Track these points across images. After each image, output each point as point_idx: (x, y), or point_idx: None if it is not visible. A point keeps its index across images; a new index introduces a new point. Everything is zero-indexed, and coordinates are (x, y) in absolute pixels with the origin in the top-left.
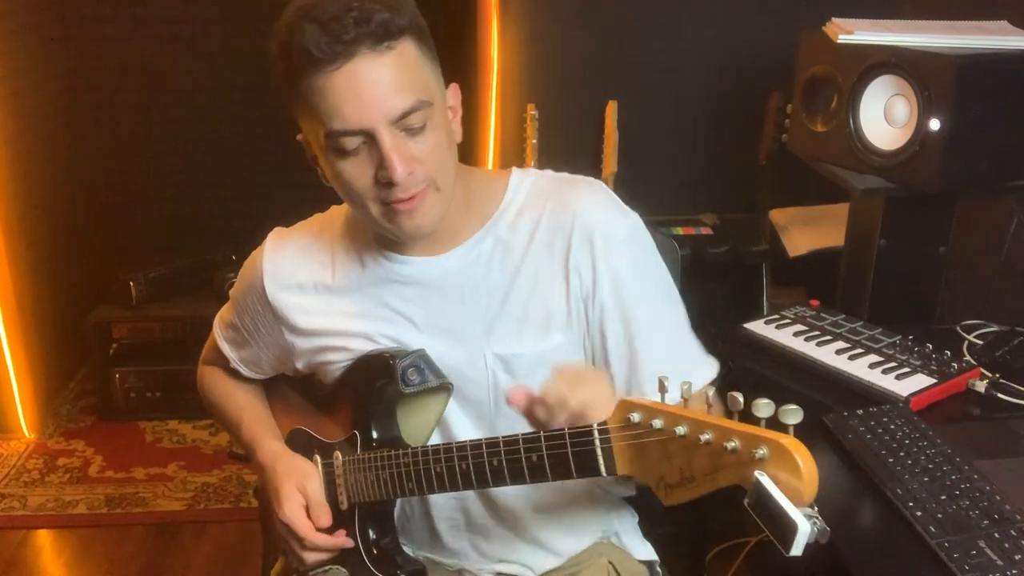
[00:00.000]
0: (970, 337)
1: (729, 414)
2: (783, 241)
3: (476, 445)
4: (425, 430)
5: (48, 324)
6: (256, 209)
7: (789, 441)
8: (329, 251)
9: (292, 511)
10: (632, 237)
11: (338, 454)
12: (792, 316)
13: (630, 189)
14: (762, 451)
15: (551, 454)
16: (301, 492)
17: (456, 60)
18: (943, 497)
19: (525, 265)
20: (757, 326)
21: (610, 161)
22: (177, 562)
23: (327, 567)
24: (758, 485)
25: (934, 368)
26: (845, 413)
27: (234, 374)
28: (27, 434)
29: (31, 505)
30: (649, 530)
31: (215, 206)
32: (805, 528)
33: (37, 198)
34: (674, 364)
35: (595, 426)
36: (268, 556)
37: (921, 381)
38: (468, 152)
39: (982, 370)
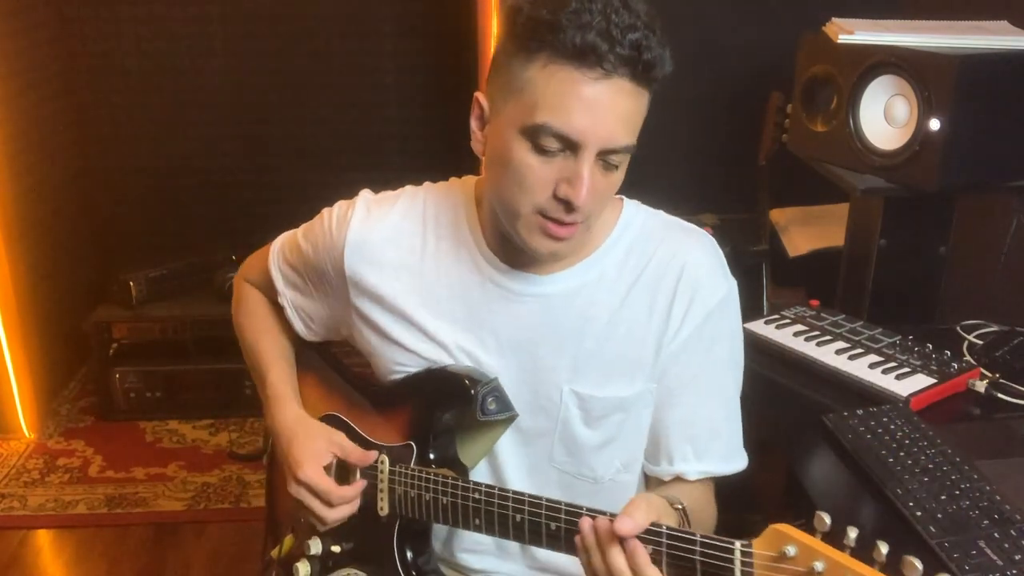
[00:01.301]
0: (970, 337)
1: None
2: (783, 241)
3: (574, 510)
4: (479, 454)
5: (48, 324)
6: (256, 209)
7: None
8: (421, 234)
9: (313, 472)
10: (727, 303)
11: (385, 458)
12: (792, 316)
13: (630, 189)
14: None
15: (673, 554)
16: (331, 444)
17: (456, 60)
18: (943, 497)
19: (626, 308)
20: (757, 326)
21: None
22: (177, 562)
23: (345, 567)
24: None
25: (934, 368)
26: (845, 413)
27: (280, 310)
28: (27, 434)
29: (31, 505)
30: None
31: (215, 206)
32: None
33: (37, 198)
34: (712, 442)
35: (738, 545)
36: (270, 531)
37: (921, 381)
38: (469, 152)
39: (982, 370)
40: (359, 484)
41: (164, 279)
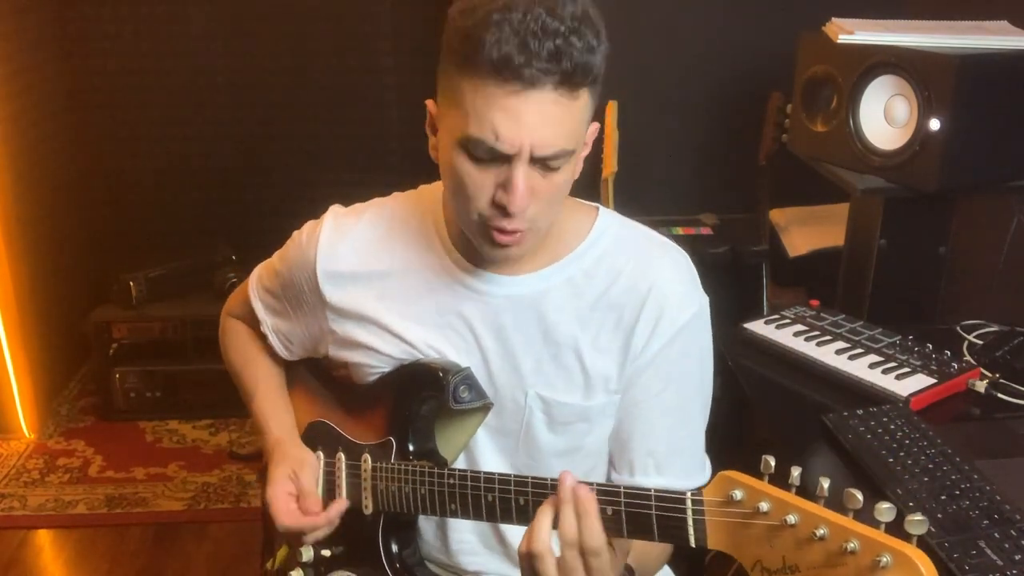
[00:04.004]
0: (970, 337)
1: (843, 510)
2: (783, 241)
3: (540, 483)
4: (457, 447)
5: (48, 324)
6: (256, 209)
7: (915, 553)
8: (388, 243)
9: (273, 492)
10: (697, 322)
11: (367, 457)
12: (792, 316)
13: (630, 189)
14: (886, 559)
15: (631, 512)
16: (292, 480)
17: None
18: (943, 497)
19: (592, 318)
20: (757, 326)
21: (610, 161)
22: (177, 562)
23: (337, 571)
24: None
25: (934, 368)
26: (845, 413)
27: (263, 338)
28: (27, 434)
29: (31, 505)
30: None
31: (215, 206)
32: None
33: (37, 198)
34: (673, 457)
35: (688, 495)
36: (267, 545)
37: (921, 381)
38: None
39: (982, 370)
40: (313, 519)
41: (164, 279)
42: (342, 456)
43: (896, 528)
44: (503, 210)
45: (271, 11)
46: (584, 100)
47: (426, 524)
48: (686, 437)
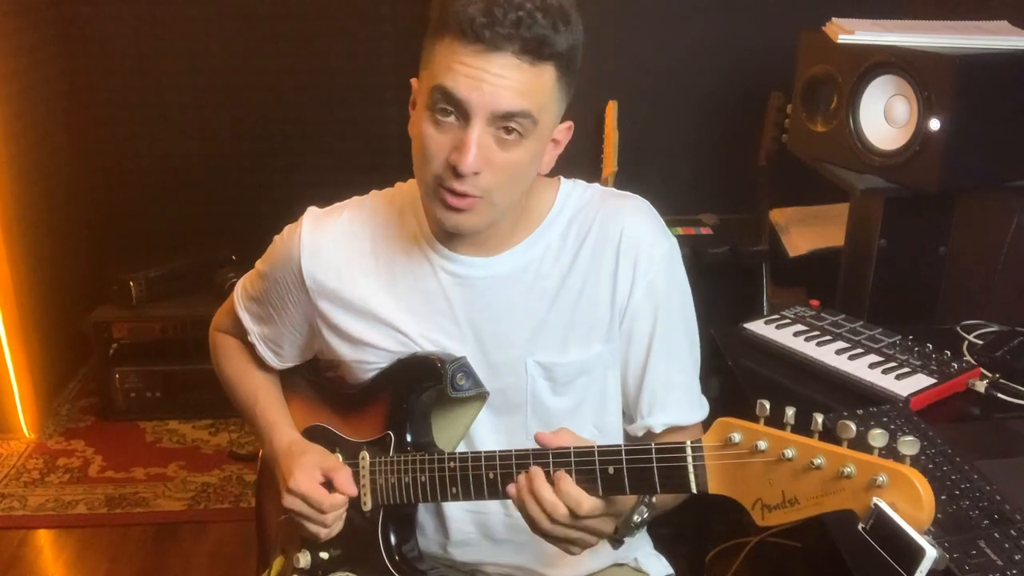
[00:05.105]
0: (970, 337)
1: (838, 441)
2: (783, 241)
3: (540, 453)
4: (455, 437)
5: (48, 324)
6: (256, 209)
7: (910, 470)
8: (370, 237)
9: (304, 481)
10: (671, 258)
11: (365, 454)
12: (792, 316)
13: (630, 189)
14: (882, 478)
15: (632, 468)
16: (321, 468)
17: None
18: (943, 497)
19: (573, 273)
20: (757, 326)
21: (610, 161)
22: (177, 562)
23: (336, 572)
24: (878, 511)
25: (934, 368)
26: (845, 413)
27: (251, 349)
28: (27, 434)
29: (31, 505)
30: (649, 530)
31: (215, 206)
32: (932, 554)
33: (37, 198)
34: (674, 392)
35: (688, 443)
36: (262, 557)
37: (921, 381)
38: None
39: (982, 370)
40: (348, 491)
41: (164, 279)
42: (339, 457)
43: (890, 455)
44: (454, 170)
45: (271, 11)
46: (548, 76)
47: (426, 517)
48: (679, 372)
